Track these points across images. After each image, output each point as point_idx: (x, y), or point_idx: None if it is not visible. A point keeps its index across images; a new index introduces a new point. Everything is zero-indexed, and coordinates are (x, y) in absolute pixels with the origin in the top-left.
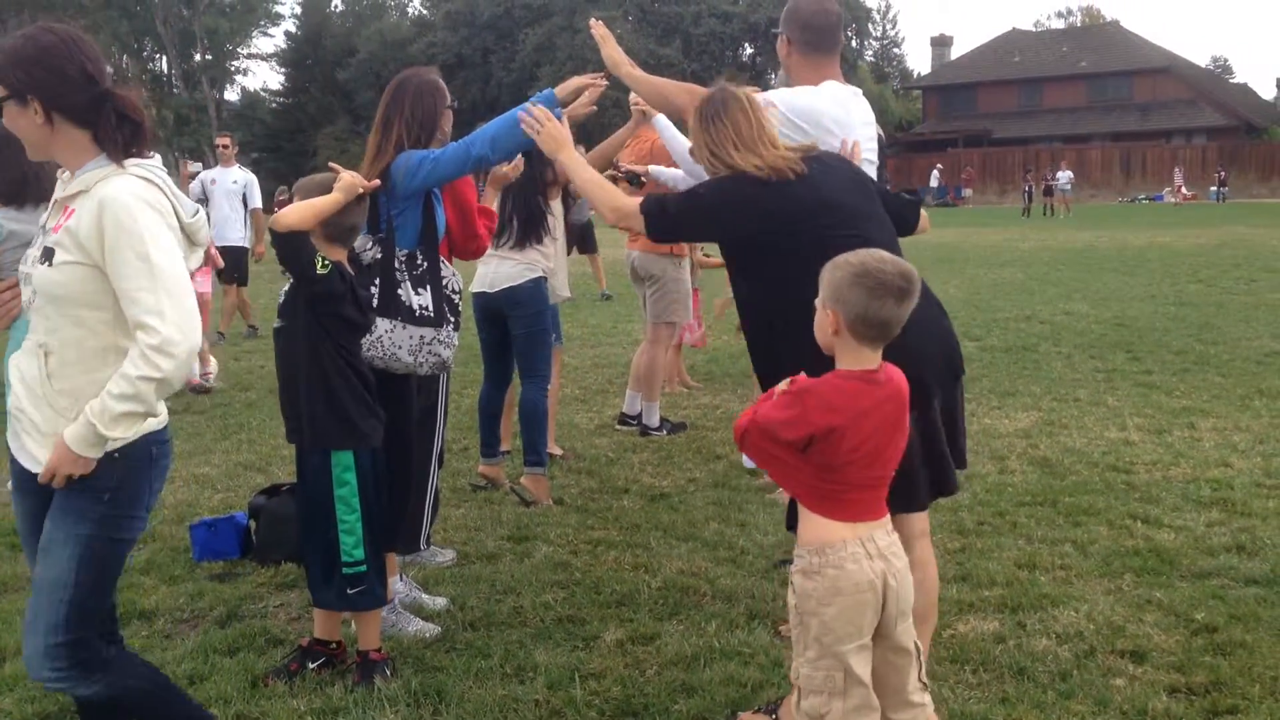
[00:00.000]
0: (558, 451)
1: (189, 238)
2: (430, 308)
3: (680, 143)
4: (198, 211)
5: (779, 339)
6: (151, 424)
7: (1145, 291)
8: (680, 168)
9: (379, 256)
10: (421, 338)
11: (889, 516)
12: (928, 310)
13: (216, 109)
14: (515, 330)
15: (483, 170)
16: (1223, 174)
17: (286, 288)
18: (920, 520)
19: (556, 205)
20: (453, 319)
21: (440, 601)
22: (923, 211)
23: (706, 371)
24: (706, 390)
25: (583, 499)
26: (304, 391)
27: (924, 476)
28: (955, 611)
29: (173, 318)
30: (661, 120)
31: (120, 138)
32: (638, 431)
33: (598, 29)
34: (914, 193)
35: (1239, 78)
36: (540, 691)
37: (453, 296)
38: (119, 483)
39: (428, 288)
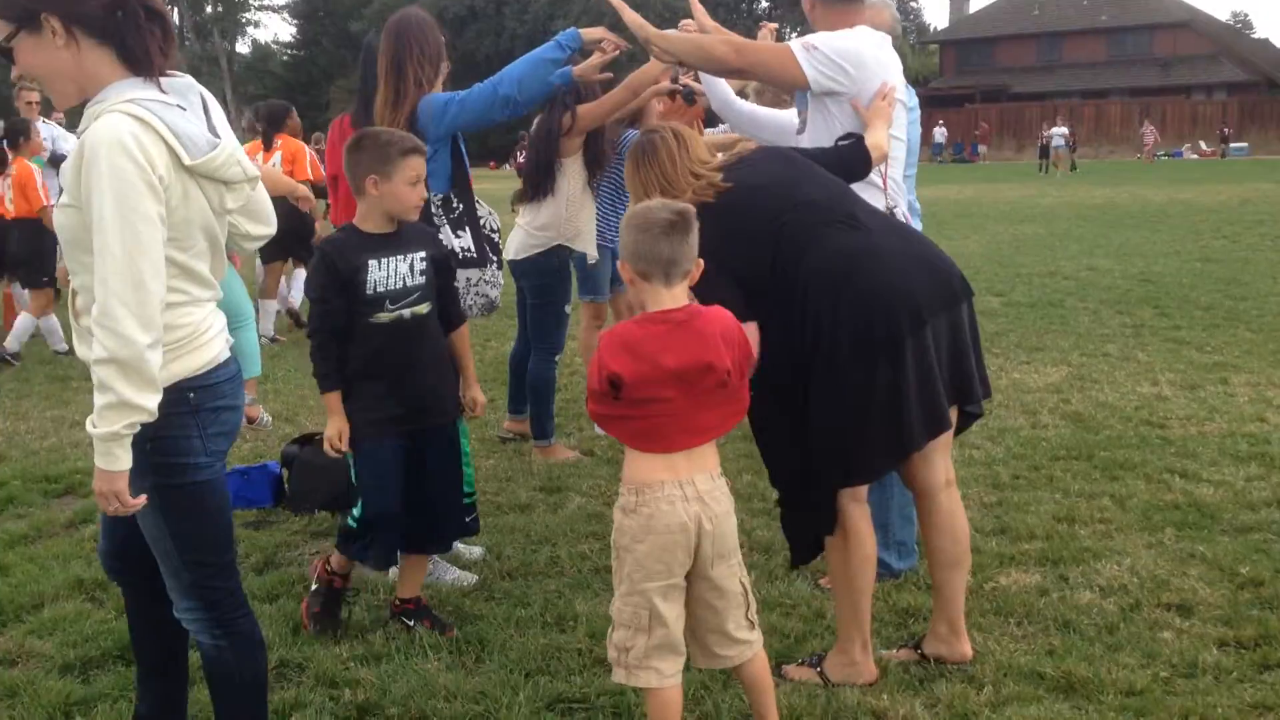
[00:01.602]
0: None
1: (214, 178)
2: (472, 249)
3: (720, 87)
4: (217, 145)
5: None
6: (187, 366)
7: (1169, 248)
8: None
9: None
10: (468, 279)
11: (717, 463)
12: (894, 243)
13: (228, 61)
14: (528, 298)
15: (509, 113)
16: (1227, 130)
17: (422, 270)
18: (944, 469)
19: (577, 162)
20: (495, 258)
21: (476, 551)
22: (869, 139)
23: None
24: None
25: (613, 451)
26: (447, 370)
27: (917, 417)
28: (996, 565)
29: (116, 288)
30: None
31: (158, 32)
32: None
33: None
34: (848, 136)
35: (1260, 32)
36: (583, 640)
37: (492, 236)
38: (155, 432)
39: (466, 229)
